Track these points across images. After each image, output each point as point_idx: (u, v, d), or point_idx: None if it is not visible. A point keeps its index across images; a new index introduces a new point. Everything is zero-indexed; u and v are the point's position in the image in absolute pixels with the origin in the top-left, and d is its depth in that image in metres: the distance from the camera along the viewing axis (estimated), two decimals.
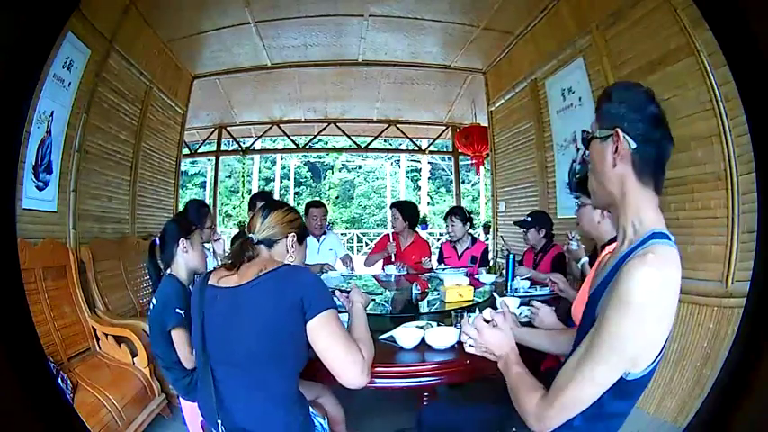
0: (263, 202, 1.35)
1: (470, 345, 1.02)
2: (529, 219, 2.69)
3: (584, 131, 0.89)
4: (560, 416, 0.78)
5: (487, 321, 1.03)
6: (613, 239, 1.26)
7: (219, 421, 0.98)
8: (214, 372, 1.01)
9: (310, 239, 3.16)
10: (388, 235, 3.40)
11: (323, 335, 0.96)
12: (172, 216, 3.92)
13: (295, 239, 1.17)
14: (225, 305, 1.02)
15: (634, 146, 0.79)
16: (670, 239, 0.77)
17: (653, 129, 0.80)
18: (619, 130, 0.80)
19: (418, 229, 3.49)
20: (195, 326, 1.06)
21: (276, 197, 10.71)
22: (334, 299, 1.15)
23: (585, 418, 0.78)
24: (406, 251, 3.21)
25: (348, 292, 1.33)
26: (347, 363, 0.96)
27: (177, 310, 1.38)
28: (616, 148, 0.80)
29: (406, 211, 3.25)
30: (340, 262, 3.20)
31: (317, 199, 3.85)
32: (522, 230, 2.75)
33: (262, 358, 0.97)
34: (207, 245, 2.11)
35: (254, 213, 1.20)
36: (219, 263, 1.60)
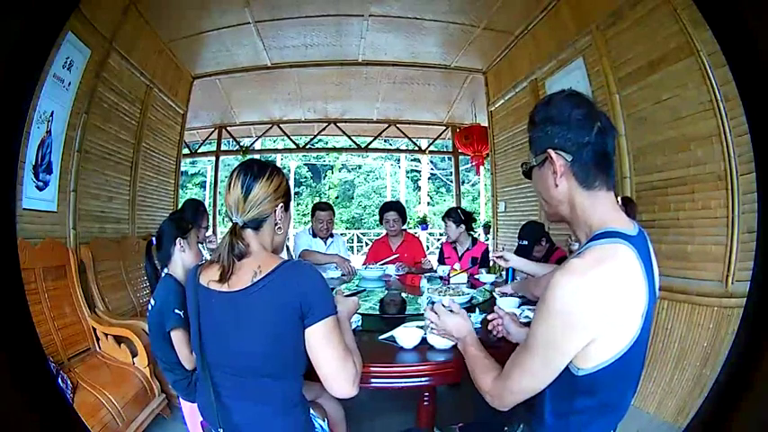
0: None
1: (432, 328, 1.11)
2: (526, 242, 2.54)
3: (522, 164, 0.90)
4: (512, 398, 0.82)
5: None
6: None
7: (221, 430, 0.96)
8: (213, 376, 0.99)
9: (318, 241, 3.15)
10: (379, 242, 3.40)
11: (320, 343, 0.92)
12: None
13: (282, 209, 1.03)
14: (220, 311, 0.96)
15: (570, 158, 0.79)
16: (616, 236, 0.75)
17: (583, 132, 0.78)
18: (550, 150, 0.80)
19: (418, 228, 3.50)
20: (193, 328, 1.02)
21: None
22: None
23: (556, 416, 0.81)
24: (398, 251, 3.22)
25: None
26: (341, 374, 0.92)
27: (176, 311, 1.38)
28: (554, 169, 0.80)
29: (403, 211, 3.25)
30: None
31: (326, 201, 3.78)
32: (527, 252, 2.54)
33: (262, 366, 0.94)
34: (200, 245, 2.11)
35: (230, 186, 0.99)
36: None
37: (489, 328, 1.33)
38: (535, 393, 0.79)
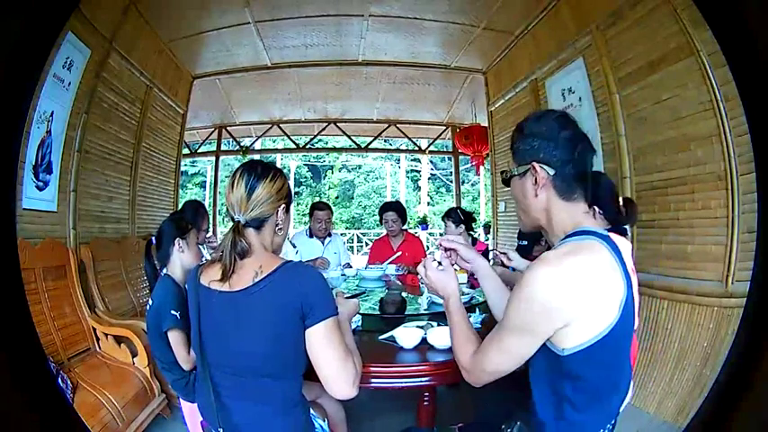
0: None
1: (421, 281, 1.10)
2: (525, 242, 2.53)
3: (502, 172, 0.97)
4: (485, 377, 0.88)
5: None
6: None
7: (221, 430, 0.96)
8: (213, 376, 0.99)
9: (315, 241, 3.15)
10: (380, 241, 3.40)
11: (321, 344, 0.91)
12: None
13: (284, 210, 1.05)
14: (221, 311, 0.96)
15: (553, 172, 0.86)
16: (590, 234, 0.81)
17: (569, 151, 0.85)
18: (535, 163, 0.86)
19: (418, 228, 3.51)
20: (193, 328, 1.02)
21: None
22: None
23: (549, 409, 0.84)
24: (399, 250, 3.22)
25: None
26: (341, 375, 0.92)
27: (172, 312, 1.38)
28: (535, 180, 0.87)
29: (402, 212, 3.25)
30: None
31: (324, 201, 3.77)
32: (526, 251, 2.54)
33: (262, 366, 0.94)
34: (200, 246, 2.11)
35: (233, 185, 1.00)
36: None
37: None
38: (508, 373, 0.85)
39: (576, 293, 0.75)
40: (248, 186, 0.98)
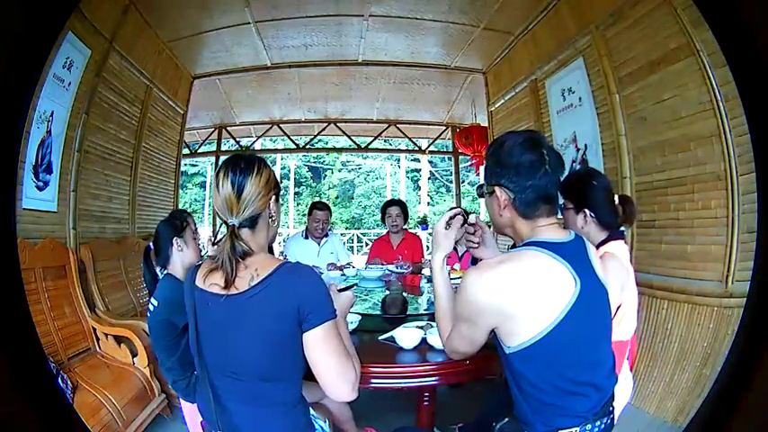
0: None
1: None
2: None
3: (478, 187, 1.08)
4: (457, 355, 1.04)
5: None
6: (602, 243, 1.32)
7: None
8: (211, 378, 0.98)
9: (310, 243, 3.15)
10: (380, 240, 3.43)
11: (319, 348, 0.91)
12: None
13: (275, 201, 1.02)
14: (217, 314, 0.94)
15: (513, 196, 0.94)
16: (531, 245, 0.90)
17: (528, 176, 0.92)
18: (497, 187, 0.96)
19: (418, 228, 3.54)
20: (191, 330, 1.00)
21: None
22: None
23: (521, 400, 0.92)
24: (398, 249, 3.24)
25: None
26: (340, 378, 0.91)
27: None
28: (499, 203, 0.97)
29: (405, 209, 3.32)
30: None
31: (323, 201, 3.79)
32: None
33: (260, 369, 0.93)
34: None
35: (218, 186, 0.95)
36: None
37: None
38: (472, 353, 1.00)
39: (505, 295, 0.85)
40: (236, 185, 0.94)
